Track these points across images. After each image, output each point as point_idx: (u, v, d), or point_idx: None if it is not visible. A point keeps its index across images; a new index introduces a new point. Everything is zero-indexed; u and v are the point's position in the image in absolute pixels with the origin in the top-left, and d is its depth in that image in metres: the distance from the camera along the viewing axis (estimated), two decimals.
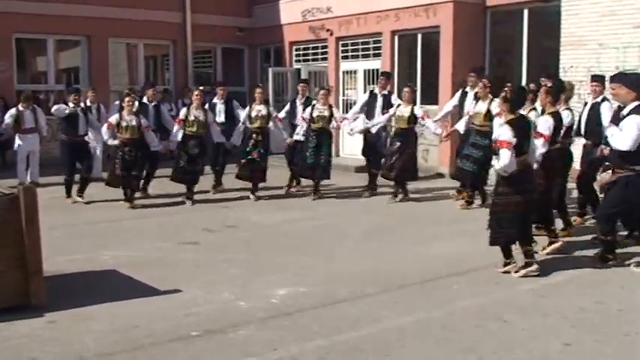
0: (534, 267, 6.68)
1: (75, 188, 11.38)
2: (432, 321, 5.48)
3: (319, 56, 17.75)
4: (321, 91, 11.58)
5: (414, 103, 11.36)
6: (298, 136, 11.76)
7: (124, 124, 10.76)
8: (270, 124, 11.51)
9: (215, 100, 12.37)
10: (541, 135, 7.18)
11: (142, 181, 11.60)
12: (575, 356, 4.80)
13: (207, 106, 11.83)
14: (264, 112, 11.38)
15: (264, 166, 11.49)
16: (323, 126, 11.30)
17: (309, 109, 11.45)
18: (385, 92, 11.73)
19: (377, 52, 16.05)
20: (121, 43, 18.30)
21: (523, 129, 6.58)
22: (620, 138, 6.66)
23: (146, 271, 6.97)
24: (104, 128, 10.97)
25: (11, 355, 4.86)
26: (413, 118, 10.89)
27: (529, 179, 6.69)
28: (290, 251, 7.90)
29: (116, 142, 10.75)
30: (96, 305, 5.87)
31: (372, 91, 12.10)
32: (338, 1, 16.56)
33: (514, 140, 6.40)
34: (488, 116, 9.81)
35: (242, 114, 11.73)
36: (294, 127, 12.03)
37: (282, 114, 12.31)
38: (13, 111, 12.78)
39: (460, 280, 6.66)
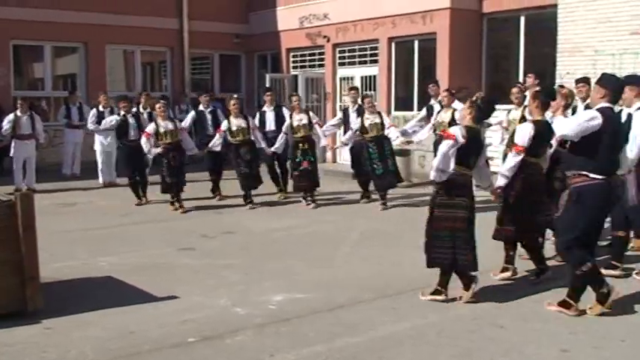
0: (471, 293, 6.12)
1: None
2: (428, 327, 5.48)
3: (316, 62, 17.78)
4: (366, 100, 11.34)
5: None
6: (349, 142, 11.56)
7: (161, 130, 10.85)
8: (317, 128, 11.57)
9: (264, 108, 12.32)
10: (514, 145, 6.57)
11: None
12: None
13: (256, 116, 12.13)
14: (305, 120, 11.34)
15: (316, 173, 11.44)
16: (378, 134, 10.99)
17: (359, 120, 11.23)
18: (440, 99, 11.08)
19: (374, 58, 16.08)
20: (118, 49, 18.32)
21: (475, 143, 6.19)
22: (564, 123, 5.91)
23: (143, 277, 6.96)
24: (143, 139, 10.94)
25: None
26: (454, 124, 10.27)
27: (467, 196, 6.11)
28: (287, 257, 7.90)
29: (159, 150, 10.81)
30: (93, 312, 5.86)
31: (429, 105, 11.61)
32: (335, 7, 16.60)
33: (462, 140, 5.97)
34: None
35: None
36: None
37: (333, 121, 12.32)
38: (11, 117, 12.82)
39: (456, 286, 6.63)
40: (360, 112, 11.50)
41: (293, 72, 18.20)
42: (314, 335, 5.30)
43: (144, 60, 18.81)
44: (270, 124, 12.07)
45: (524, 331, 5.39)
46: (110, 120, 11.88)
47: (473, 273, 6.14)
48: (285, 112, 12.04)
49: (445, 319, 5.67)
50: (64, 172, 15.01)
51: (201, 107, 12.39)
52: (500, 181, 6.55)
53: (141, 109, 13.63)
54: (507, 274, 6.86)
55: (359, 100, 11.84)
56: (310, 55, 17.96)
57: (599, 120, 5.60)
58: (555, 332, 5.34)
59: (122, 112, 11.74)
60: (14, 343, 5.19)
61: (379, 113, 11.30)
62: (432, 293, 6.18)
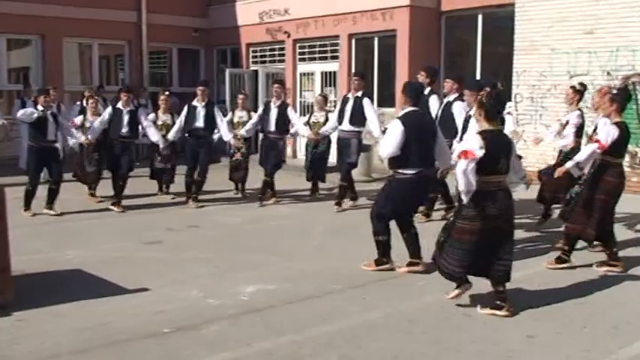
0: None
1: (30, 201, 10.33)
2: (399, 315, 5.63)
3: (276, 58, 17.83)
4: (317, 98, 12.12)
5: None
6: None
7: (87, 124, 10.99)
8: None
9: (195, 103, 11.16)
10: (597, 141, 6.78)
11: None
12: (538, 347, 5.01)
13: (184, 110, 11.39)
14: (245, 118, 11.78)
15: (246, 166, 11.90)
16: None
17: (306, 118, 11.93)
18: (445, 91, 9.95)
19: (334, 54, 16.23)
20: (75, 42, 18.09)
21: (499, 145, 5.64)
22: (383, 145, 6.90)
23: (112, 270, 6.96)
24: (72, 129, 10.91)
25: None
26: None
27: (499, 205, 5.62)
28: (254, 250, 7.97)
29: (82, 138, 10.74)
30: (64, 304, 5.85)
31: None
32: (295, 3, 16.67)
33: (479, 153, 5.46)
34: None
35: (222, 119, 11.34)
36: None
37: (254, 119, 11.65)
38: None
39: (423, 277, 6.82)
40: (283, 109, 11.20)
41: (253, 67, 18.24)
42: (288, 325, 5.40)
43: (100, 53, 18.57)
44: (200, 121, 10.96)
45: (490, 319, 5.56)
46: (31, 112, 10.12)
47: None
48: (217, 110, 11.15)
49: (415, 308, 5.83)
50: (21, 166, 14.76)
51: (119, 105, 10.88)
52: (569, 164, 7.08)
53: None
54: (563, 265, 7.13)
55: (282, 97, 11.44)
56: (270, 50, 18.01)
57: (401, 128, 6.63)
58: (520, 320, 5.55)
59: (41, 108, 10.10)
60: None
61: (326, 112, 11.73)
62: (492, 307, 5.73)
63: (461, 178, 5.51)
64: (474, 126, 7.00)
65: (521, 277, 6.58)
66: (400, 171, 6.75)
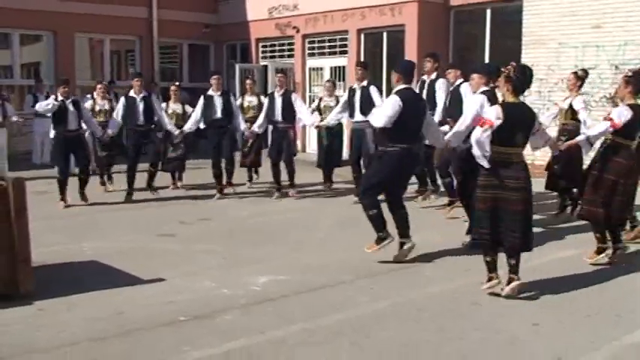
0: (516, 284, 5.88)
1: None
2: (408, 304, 5.77)
3: (286, 53, 17.97)
4: (326, 84, 12.47)
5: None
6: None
7: (97, 108, 11.47)
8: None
9: (211, 92, 11.18)
10: (610, 119, 6.80)
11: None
12: (542, 335, 5.12)
13: (200, 100, 11.33)
14: (255, 102, 12.05)
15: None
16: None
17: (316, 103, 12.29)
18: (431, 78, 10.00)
19: (343, 49, 16.35)
20: (87, 38, 18.28)
21: (519, 118, 5.76)
22: (375, 116, 7.08)
23: (126, 261, 7.11)
24: None
25: (4, 341, 4.98)
26: None
27: (514, 176, 5.76)
28: (265, 243, 8.11)
29: (99, 132, 11.05)
30: (81, 294, 6.02)
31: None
32: None
33: (495, 122, 5.60)
34: (570, 113, 9.00)
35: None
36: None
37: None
38: None
39: (430, 267, 6.96)
40: (287, 97, 11.23)
41: (262, 62, 18.38)
42: (300, 314, 5.55)
43: (111, 49, 18.76)
44: (218, 112, 11.03)
45: (496, 307, 5.69)
46: (47, 104, 10.33)
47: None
48: (233, 99, 11.44)
49: (423, 298, 5.96)
50: (34, 161, 15.02)
51: (131, 93, 11.03)
52: (579, 138, 7.32)
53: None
54: (603, 254, 7.00)
55: (285, 86, 11.57)
56: (280, 45, 18.16)
57: (399, 102, 6.78)
58: (526, 308, 5.66)
59: (60, 98, 10.28)
60: (8, 323, 5.33)
61: (336, 97, 11.86)
62: (488, 281, 5.95)
63: (475, 145, 5.70)
64: (472, 102, 7.27)
65: (529, 266, 6.66)
66: (391, 144, 6.88)
